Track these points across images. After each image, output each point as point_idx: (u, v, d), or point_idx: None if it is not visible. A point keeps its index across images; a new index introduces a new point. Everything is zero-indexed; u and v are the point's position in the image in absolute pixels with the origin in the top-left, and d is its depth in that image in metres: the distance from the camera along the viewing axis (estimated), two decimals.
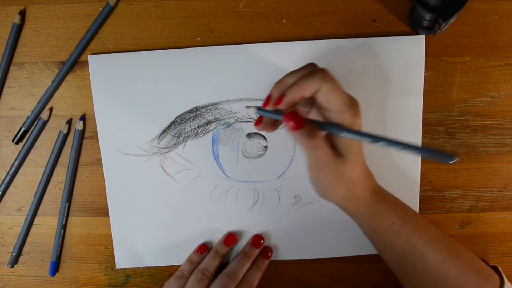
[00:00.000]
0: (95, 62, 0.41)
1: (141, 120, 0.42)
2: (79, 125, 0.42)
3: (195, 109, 0.42)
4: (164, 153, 0.42)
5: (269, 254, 0.43)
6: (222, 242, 0.43)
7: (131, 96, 0.42)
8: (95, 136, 0.43)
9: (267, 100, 0.33)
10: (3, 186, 0.44)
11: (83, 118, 0.43)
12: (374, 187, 0.37)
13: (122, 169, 0.42)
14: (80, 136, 0.43)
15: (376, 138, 0.29)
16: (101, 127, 0.42)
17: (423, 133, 0.42)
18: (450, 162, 0.25)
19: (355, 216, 0.38)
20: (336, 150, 0.34)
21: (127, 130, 0.42)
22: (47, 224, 0.44)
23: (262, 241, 0.43)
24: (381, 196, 0.37)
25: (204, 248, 0.43)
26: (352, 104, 0.32)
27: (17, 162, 0.43)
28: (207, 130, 0.42)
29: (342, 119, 0.32)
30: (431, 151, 0.26)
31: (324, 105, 0.32)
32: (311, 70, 0.33)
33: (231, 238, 0.43)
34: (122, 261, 0.44)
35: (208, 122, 0.42)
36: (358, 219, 0.38)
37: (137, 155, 0.42)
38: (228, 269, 0.42)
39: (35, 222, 0.44)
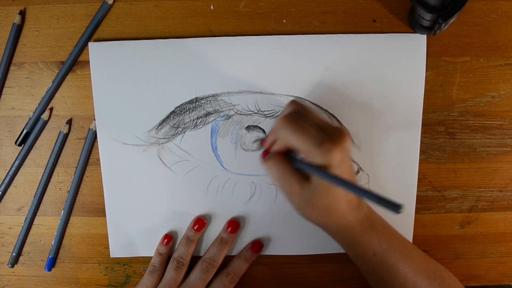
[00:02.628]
0: (95, 49, 0.41)
1: (139, 109, 0.42)
2: (93, 125, 0.42)
3: (195, 100, 0.41)
4: (162, 143, 0.42)
5: (260, 248, 0.44)
6: (191, 227, 0.43)
7: (131, 84, 0.41)
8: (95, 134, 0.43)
9: (263, 143, 0.41)
10: (3, 186, 0.44)
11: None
12: (360, 217, 0.36)
13: (119, 158, 0.42)
14: (93, 136, 0.43)
15: (333, 179, 0.32)
16: (99, 115, 0.42)
17: (423, 133, 0.42)
18: (398, 212, 0.27)
19: (335, 240, 0.38)
20: (307, 178, 0.35)
21: (125, 119, 0.42)
22: (47, 224, 0.44)
23: (238, 226, 0.43)
24: (367, 227, 0.36)
25: (169, 238, 0.43)
26: (321, 142, 0.32)
27: (17, 162, 0.43)
28: (206, 122, 0.42)
29: (310, 159, 0.33)
30: (381, 199, 0.29)
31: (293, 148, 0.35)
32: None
33: (200, 223, 0.43)
34: (117, 250, 0.44)
35: (208, 114, 0.42)
36: (338, 243, 0.38)
37: (135, 145, 0.42)
38: (206, 255, 0.42)
39: (35, 222, 0.44)
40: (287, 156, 0.37)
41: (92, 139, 0.43)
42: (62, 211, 0.44)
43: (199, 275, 0.42)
